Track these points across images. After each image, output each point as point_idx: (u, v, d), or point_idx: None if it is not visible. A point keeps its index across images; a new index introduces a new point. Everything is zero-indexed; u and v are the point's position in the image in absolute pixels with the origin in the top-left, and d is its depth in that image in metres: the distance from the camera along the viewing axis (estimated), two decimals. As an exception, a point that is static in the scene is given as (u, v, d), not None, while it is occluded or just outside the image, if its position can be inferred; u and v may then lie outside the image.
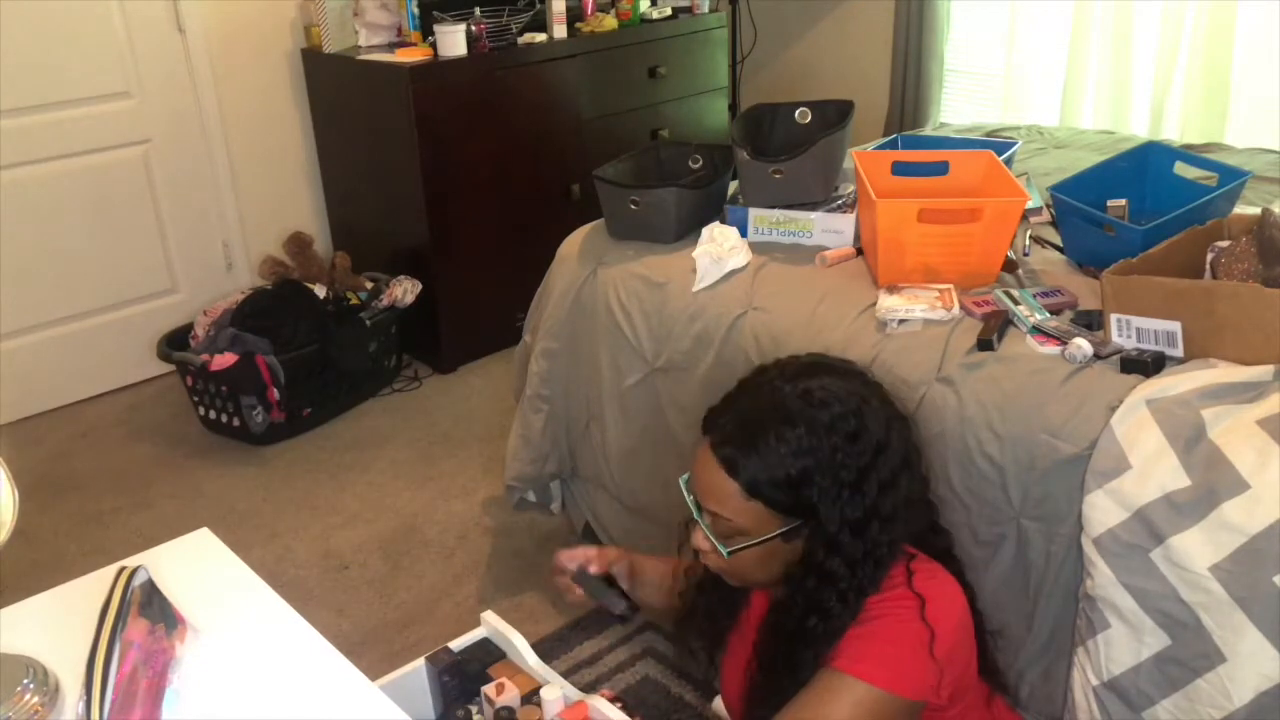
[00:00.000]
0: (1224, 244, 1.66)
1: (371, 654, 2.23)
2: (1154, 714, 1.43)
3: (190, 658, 1.07)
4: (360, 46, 3.41)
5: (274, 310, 3.11)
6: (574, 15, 3.58)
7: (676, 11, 3.84)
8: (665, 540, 1.64)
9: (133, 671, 0.98)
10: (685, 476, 1.36)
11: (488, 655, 1.44)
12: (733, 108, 4.27)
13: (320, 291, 3.26)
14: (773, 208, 2.08)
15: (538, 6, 3.53)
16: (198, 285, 3.55)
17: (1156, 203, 1.92)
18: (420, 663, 1.37)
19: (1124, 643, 1.44)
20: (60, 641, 1.09)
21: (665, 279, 2.05)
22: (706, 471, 1.28)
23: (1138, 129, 3.34)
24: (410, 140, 3.19)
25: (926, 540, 1.40)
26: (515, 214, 3.48)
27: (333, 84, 3.52)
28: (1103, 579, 1.44)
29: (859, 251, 2.01)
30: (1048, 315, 1.68)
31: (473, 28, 3.27)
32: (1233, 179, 1.83)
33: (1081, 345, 1.56)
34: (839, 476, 1.24)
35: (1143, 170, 2.00)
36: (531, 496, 2.41)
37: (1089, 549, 1.46)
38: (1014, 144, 2.31)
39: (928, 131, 3.30)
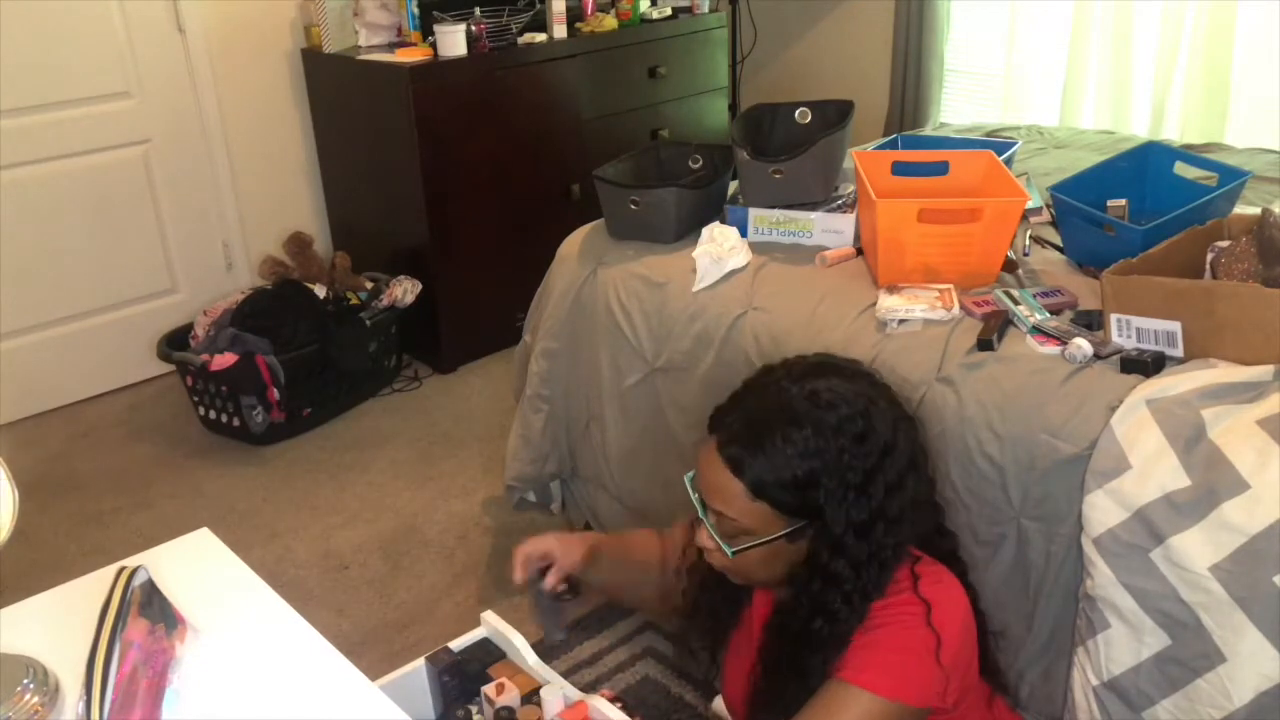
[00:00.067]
0: (1224, 244, 1.66)
1: (371, 654, 2.23)
2: (1154, 714, 1.43)
3: (190, 658, 1.07)
4: (360, 46, 3.41)
5: (274, 310, 3.11)
6: (574, 15, 3.58)
7: (676, 11, 3.84)
8: (665, 540, 1.64)
9: (133, 671, 0.98)
10: (690, 474, 1.35)
11: (488, 655, 1.44)
12: (733, 108, 4.27)
13: (320, 291, 3.26)
14: (773, 208, 2.08)
15: (538, 6, 3.53)
16: (198, 285, 3.55)
17: (1156, 203, 1.92)
18: (420, 663, 1.37)
19: (1124, 643, 1.44)
20: (60, 641, 1.09)
21: (665, 279, 2.05)
22: (712, 471, 1.28)
23: (1138, 129, 3.34)
24: (410, 140, 3.19)
25: (932, 542, 1.40)
26: (515, 214, 3.48)
27: (333, 84, 3.52)
28: (1103, 579, 1.44)
29: (859, 251, 2.01)
30: (1048, 315, 1.68)
31: (473, 28, 3.27)
32: (1233, 179, 1.83)
33: (1081, 345, 1.56)
34: (845, 478, 1.24)
35: (1143, 170, 2.00)
36: (531, 496, 2.41)
37: (1089, 549, 1.46)
38: (1014, 144, 2.31)
39: (928, 131, 3.30)
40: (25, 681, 1.01)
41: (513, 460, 2.34)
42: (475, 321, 3.52)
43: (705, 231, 2.07)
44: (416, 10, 3.37)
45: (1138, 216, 1.92)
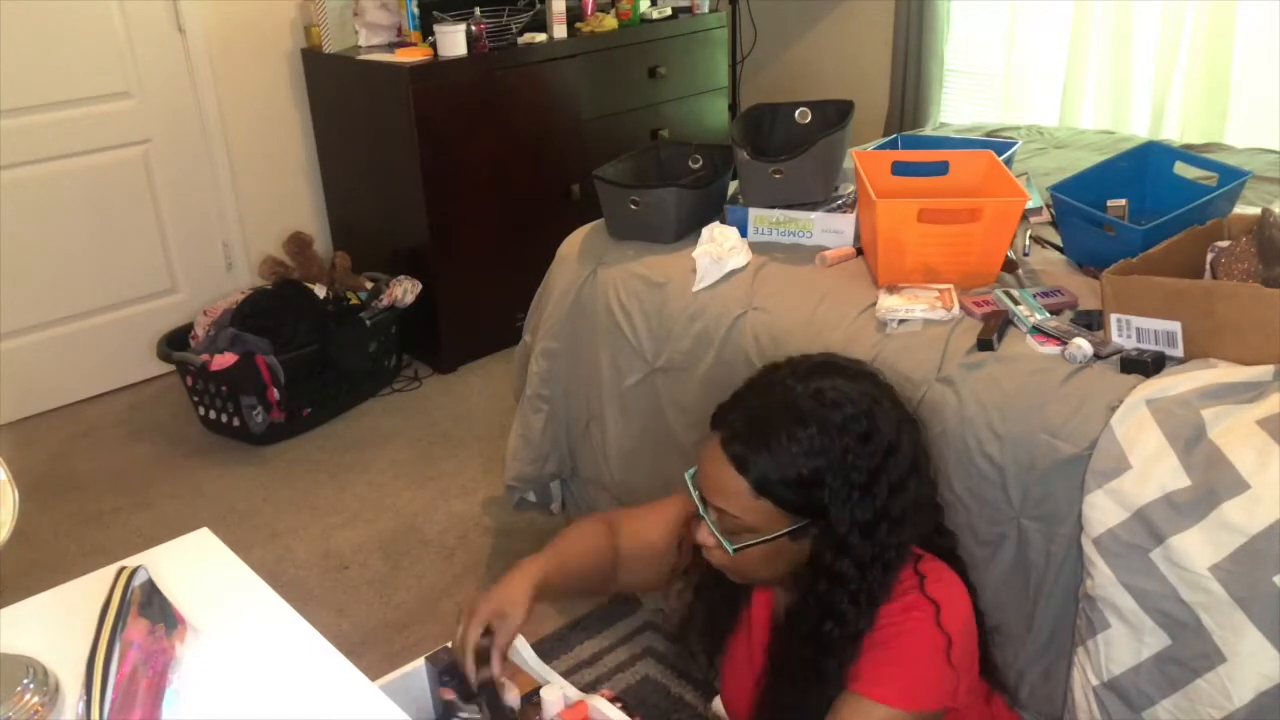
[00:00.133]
0: (1224, 244, 1.66)
1: (371, 654, 2.23)
2: (1154, 714, 1.43)
3: (190, 658, 1.07)
4: (360, 46, 3.41)
5: (274, 310, 3.11)
6: (574, 15, 3.58)
7: (676, 11, 3.84)
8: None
9: (133, 671, 0.98)
10: (691, 471, 1.35)
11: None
12: (733, 108, 4.27)
13: (320, 291, 3.26)
14: (773, 208, 2.08)
15: (538, 6, 3.53)
16: (198, 285, 3.55)
17: (1156, 203, 1.92)
18: (420, 663, 1.36)
19: (1124, 643, 1.44)
20: (60, 641, 1.09)
21: (665, 279, 2.05)
22: (715, 467, 1.28)
23: (1138, 129, 3.34)
24: (410, 140, 3.19)
25: (932, 541, 1.40)
26: (515, 214, 3.48)
27: (333, 84, 3.52)
28: (1103, 579, 1.44)
29: (859, 251, 2.01)
30: (1048, 315, 1.68)
31: (473, 28, 3.27)
32: (1233, 179, 1.83)
33: (1081, 345, 1.56)
34: (849, 478, 1.23)
35: (1143, 170, 2.00)
36: (531, 496, 2.41)
37: (1089, 549, 1.46)
38: (1014, 144, 2.31)
39: (928, 131, 3.30)
40: (25, 681, 1.01)
41: (513, 460, 2.34)
42: (475, 321, 3.52)
43: (705, 231, 2.06)
44: (416, 10, 3.37)
45: (1138, 216, 1.92)
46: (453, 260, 3.38)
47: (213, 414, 3.09)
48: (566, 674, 2.01)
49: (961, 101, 3.92)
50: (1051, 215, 2.08)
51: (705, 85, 3.98)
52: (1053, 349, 1.60)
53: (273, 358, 2.98)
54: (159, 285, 3.49)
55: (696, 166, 2.31)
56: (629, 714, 1.24)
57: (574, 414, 2.28)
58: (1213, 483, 1.36)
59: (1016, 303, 1.71)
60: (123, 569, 1.09)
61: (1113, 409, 1.47)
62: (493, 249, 3.46)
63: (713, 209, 2.17)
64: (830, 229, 2.05)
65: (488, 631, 1.28)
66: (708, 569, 1.38)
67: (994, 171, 1.94)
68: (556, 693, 1.27)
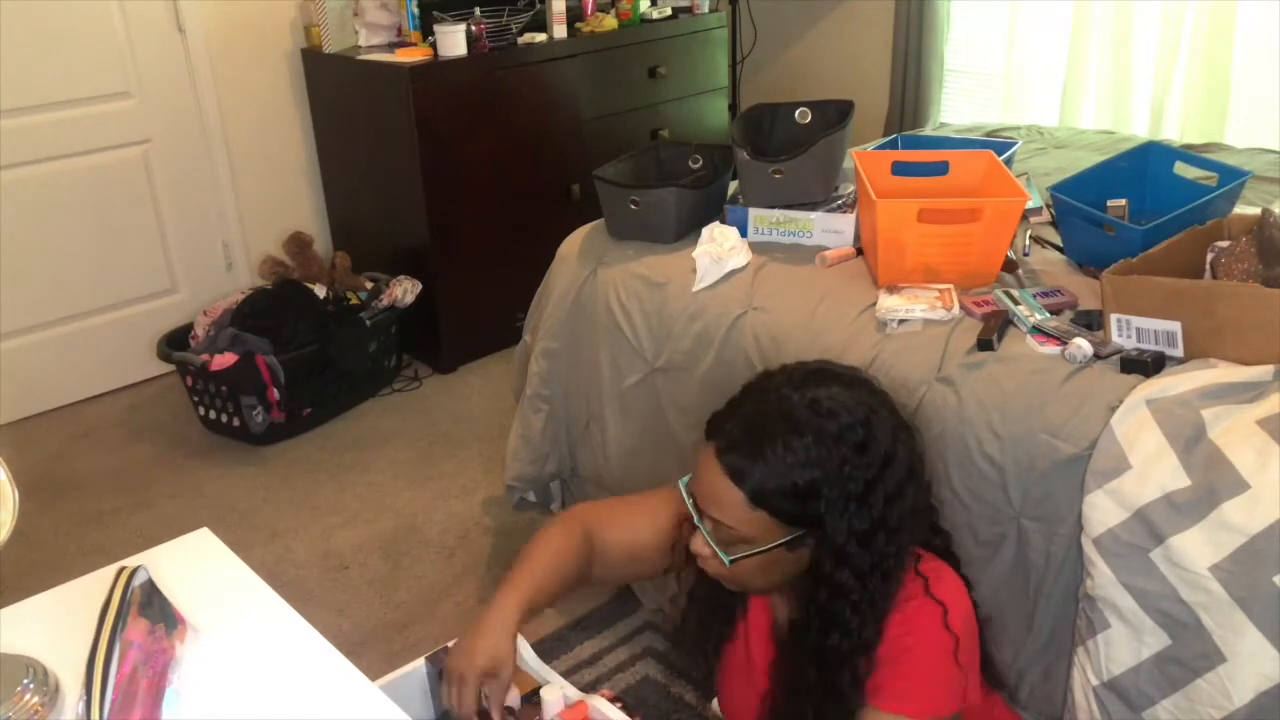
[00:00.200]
0: (1224, 244, 1.65)
1: (371, 654, 2.23)
2: (1154, 714, 1.43)
3: (190, 658, 1.07)
4: (360, 46, 3.41)
5: (274, 310, 3.11)
6: (574, 15, 3.58)
7: (676, 11, 3.84)
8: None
9: (133, 671, 0.98)
10: (685, 479, 1.34)
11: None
12: (733, 108, 4.27)
13: (320, 291, 3.26)
14: (773, 208, 2.08)
15: (538, 6, 3.53)
16: (198, 285, 3.55)
17: (1156, 203, 1.92)
18: (420, 663, 1.36)
19: (1124, 643, 1.44)
20: (60, 641, 1.09)
21: (665, 279, 2.05)
22: (710, 478, 1.26)
23: (1138, 129, 3.34)
24: (410, 140, 3.19)
25: (928, 541, 1.39)
26: (515, 214, 3.48)
27: (333, 84, 3.52)
28: (1103, 579, 1.44)
29: (859, 251, 2.01)
30: (1048, 315, 1.68)
31: (473, 28, 3.27)
32: (1233, 179, 1.83)
33: (1081, 345, 1.56)
34: (846, 488, 1.22)
35: (1143, 170, 2.00)
36: (531, 496, 2.41)
37: (1089, 549, 1.46)
38: (1014, 144, 2.31)
39: (928, 131, 3.30)
40: (25, 681, 1.01)
41: (513, 460, 2.34)
42: (475, 321, 3.52)
43: (705, 231, 2.06)
44: (416, 10, 3.37)
45: (1138, 216, 1.92)
46: (453, 260, 3.38)
47: (213, 414, 3.09)
48: (566, 674, 2.01)
49: (961, 101, 3.92)
50: (1051, 215, 2.08)
51: (705, 85, 3.98)
52: (1053, 349, 1.60)
53: (273, 358, 2.98)
54: (159, 285, 3.49)
55: (696, 166, 2.31)
56: (629, 714, 1.24)
57: (574, 414, 2.28)
58: (1213, 483, 1.36)
59: (1016, 303, 1.71)
60: (123, 569, 1.09)
61: (1113, 409, 1.47)
62: (493, 249, 3.46)
63: (713, 209, 2.17)
64: (830, 229, 2.05)
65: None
66: (702, 575, 1.36)
67: (994, 171, 1.94)
68: (556, 693, 1.27)
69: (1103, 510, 1.44)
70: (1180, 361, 1.54)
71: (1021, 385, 1.57)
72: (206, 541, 1.28)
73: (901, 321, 1.74)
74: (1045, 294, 1.76)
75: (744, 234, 2.08)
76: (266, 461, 3.03)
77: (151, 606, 1.07)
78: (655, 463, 2.12)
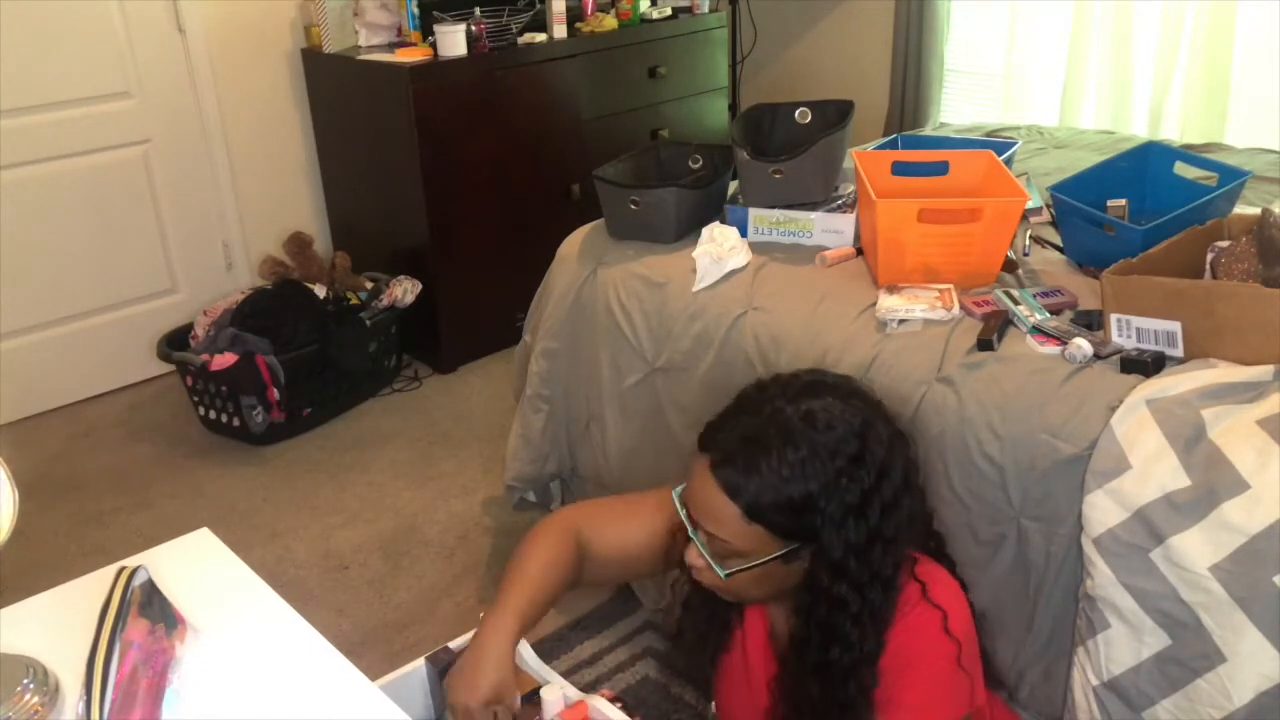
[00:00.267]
0: (1224, 244, 1.66)
1: (371, 654, 2.23)
2: (1154, 714, 1.43)
3: (190, 658, 1.07)
4: (360, 46, 3.41)
5: (274, 310, 3.11)
6: (574, 15, 3.58)
7: (676, 11, 3.84)
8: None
9: (133, 671, 0.98)
10: (679, 489, 1.32)
11: None
12: (733, 108, 4.27)
13: (320, 291, 3.26)
14: (773, 208, 2.08)
15: (538, 6, 3.53)
16: (198, 285, 3.55)
17: (1156, 203, 1.92)
18: (420, 663, 1.36)
19: (1124, 643, 1.44)
20: (60, 641, 1.09)
21: (665, 279, 2.05)
22: (705, 491, 1.25)
23: (1138, 129, 3.34)
24: (410, 140, 3.19)
25: (922, 544, 1.39)
26: (515, 214, 3.48)
27: (333, 84, 3.52)
28: (1103, 579, 1.44)
29: (859, 251, 2.01)
30: (1048, 315, 1.68)
31: (473, 28, 3.27)
32: (1233, 179, 1.83)
33: (1081, 345, 1.56)
34: (842, 501, 1.22)
35: (1143, 170, 2.00)
36: (531, 496, 2.41)
37: (1089, 549, 1.46)
38: (1014, 144, 2.31)
39: (928, 131, 3.30)
40: (25, 681, 1.01)
41: (513, 460, 2.34)
42: (475, 321, 3.52)
43: (705, 231, 2.06)
44: (416, 10, 3.37)
45: (1138, 216, 1.92)
46: (453, 260, 3.38)
47: (213, 414, 3.09)
48: (566, 674, 2.01)
49: (961, 101, 3.92)
50: (1051, 215, 2.08)
51: (705, 85, 3.98)
52: (1053, 349, 1.60)
53: (273, 358, 2.98)
54: (159, 285, 3.49)
55: (696, 166, 2.31)
56: (629, 714, 1.24)
57: (574, 414, 2.28)
58: (1213, 483, 1.36)
59: (1016, 303, 1.71)
60: (123, 569, 1.09)
61: (1113, 409, 1.47)
62: (493, 249, 3.46)
63: (713, 209, 2.17)
64: (830, 229, 2.05)
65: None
66: (697, 585, 1.36)
67: (994, 171, 1.94)
68: (556, 693, 1.27)
69: (1103, 510, 1.44)
70: (1180, 361, 1.54)
71: (1021, 385, 1.57)
72: (206, 541, 1.28)
73: (901, 321, 1.74)
74: (1045, 294, 1.76)
75: (744, 234, 2.08)
76: (266, 461, 3.03)
77: (151, 606, 1.07)
78: (655, 463, 2.12)
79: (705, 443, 1.28)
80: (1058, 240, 1.99)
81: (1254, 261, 1.59)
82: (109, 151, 3.27)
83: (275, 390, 3.01)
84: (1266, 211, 1.64)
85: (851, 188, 2.17)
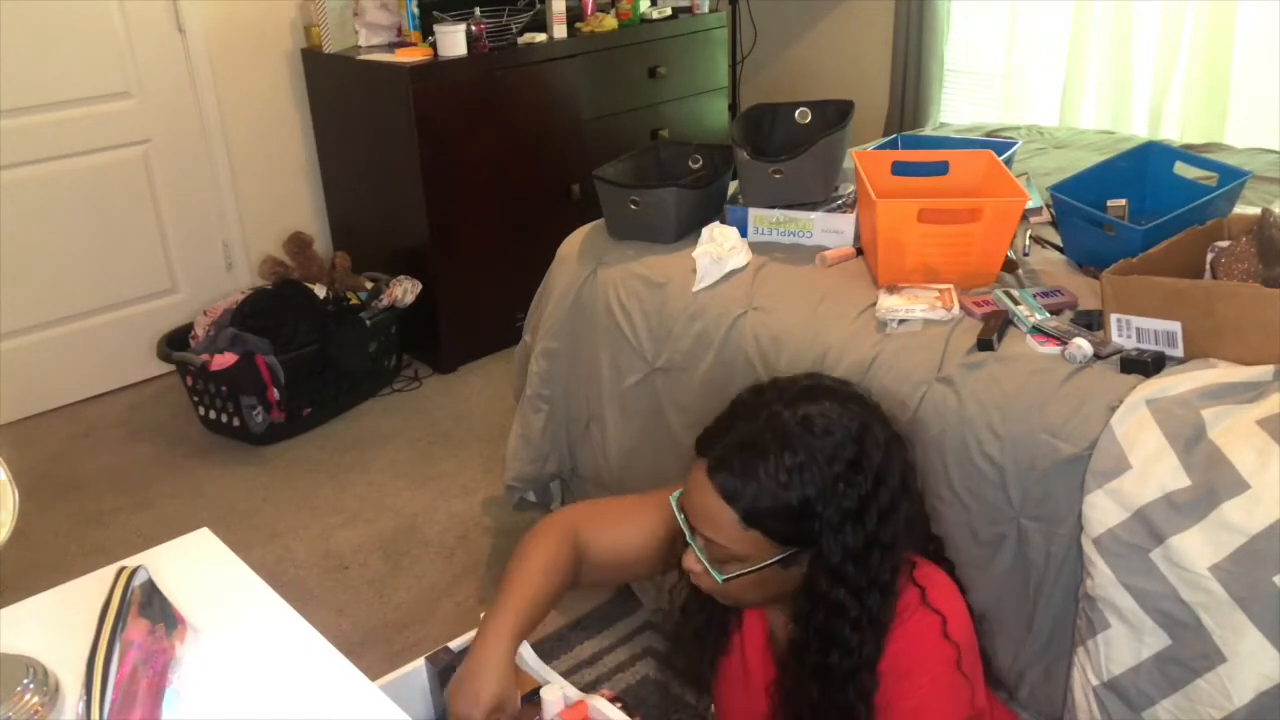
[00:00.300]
0: (1224, 244, 1.65)
1: (371, 654, 2.23)
2: (1154, 714, 1.43)
3: (190, 658, 1.07)
4: (360, 46, 3.41)
5: (274, 310, 3.11)
6: (574, 15, 3.58)
7: (676, 11, 3.84)
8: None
9: (133, 671, 0.98)
10: (676, 494, 1.32)
11: None
12: (733, 108, 4.27)
13: (320, 291, 3.26)
14: (773, 208, 2.08)
15: (538, 6, 3.53)
16: (198, 285, 3.55)
17: (1156, 203, 1.92)
18: (420, 663, 1.36)
19: (1124, 643, 1.44)
20: (60, 641, 1.09)
21: (665, 279, 2.05)
22: (702, 497, 1.25)
23: (1138, 129, 3.34)
24: (410, 140, 3.19)
25: (921, 547, 1.39)
26: (515, 214, 3.48)
27: (333, 84, 3.52)
28: (1103, 579, 1.44)
29: (859, 251, 2.01)
30: (1048, 315, 1.68)
31: (473, 28, 3.27)
32: (1233, 179, 1.83)
33: (1081, 345, 1.56)
34: (840, 506, 1.21)
35: (1143, 170, 2.00)
36: (531, 496, 2.41)
37: (1089, 549, 1.46)
38: (1014, 144, 2.31)
39: (928, 131, 3.30)
40: (25, 681, 1.01)
41: (513, 460, 2.34)
42: (475, 321, 3.52)
43: (705, 231, 2.06)
44: (416, 10, 3.37)
45: (1138, 216, 1.92)
46: (453, 260, 3.38)
47: (213, 414, 3.09)
48: (566, 674, 2.01)
49: (961, 101, 3.92)
50: (1051, 215, 2.08)
51: (705, 85, 3.98)
52: (1053, 349, 1.60)
53: (273, 358, 2.98)
54: (159, 285, 3.49)
55: (696, 166, 2.31)
56: (629, 714, 1.24)
57: (574, 414, 2.28)
58: (1213, 483, 1.36)
59: (1016, 303, 1.71)
60: (123, 569, 1.09)
61: (1113, 409, 1.47)
62: (493, 249, 3.46)
63: (713, 209, 2.17)
64: (830, 229, 2.05)
65: None
66: (695, 590, 1.35)
67: (994, 171, 1.94)
68: (556, 693, 1.27)
69: (1103, 510, 1.44)
70: (1180, 361, 1.54)
71: (1021, 385, 1.57)
72: (206, 541, 1.28)
73: (901, 321, 1.74)
74: (1045, 294, 1.76)
75: (744, 234, 2.08)
76: (266, 461, 3.03)
77: (151, 606, 1.07)
78: (655, 463, 2.12)
79: (702, 448, 1.28)
80: (1058, 240, 1.99)
81: (1254, 261, 1.59)
82: (109, 151, 3.27)
83: (275, 390, 3.01)
84: (1266, 211, 1.64)
85: (851, 188, 2.17)
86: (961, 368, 1.63)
